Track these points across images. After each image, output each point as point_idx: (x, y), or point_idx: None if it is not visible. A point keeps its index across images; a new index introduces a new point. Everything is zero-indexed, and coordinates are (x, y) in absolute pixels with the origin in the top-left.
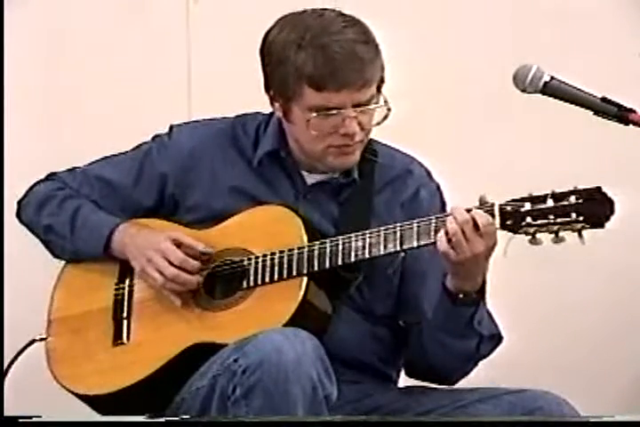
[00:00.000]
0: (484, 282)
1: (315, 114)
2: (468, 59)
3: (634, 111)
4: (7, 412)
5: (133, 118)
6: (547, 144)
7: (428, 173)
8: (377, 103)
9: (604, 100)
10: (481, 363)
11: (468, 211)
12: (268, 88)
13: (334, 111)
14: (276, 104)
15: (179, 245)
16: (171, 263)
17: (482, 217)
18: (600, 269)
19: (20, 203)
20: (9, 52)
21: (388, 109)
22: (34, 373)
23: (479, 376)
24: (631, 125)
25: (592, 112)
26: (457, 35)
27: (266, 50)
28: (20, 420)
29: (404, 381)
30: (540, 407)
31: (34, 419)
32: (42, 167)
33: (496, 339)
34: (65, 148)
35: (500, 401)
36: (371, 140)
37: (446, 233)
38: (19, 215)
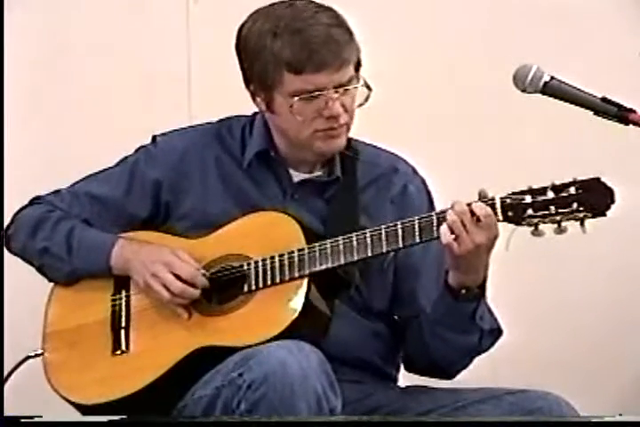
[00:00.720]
0: (485, 277)
1: (297, 98)
2: (468, 59)
3: (634, 111)
4: (7, 412)
5: (133, 118)
6: (546, 144)
7: (414, 170)
8: (356, 84)
9: (604, 100)
10: (481, 360)
11: (469, 204)
12: (247, 83)
13: (316, 93)
14: (258, 99)
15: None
16: (178, 278)
17: (481, 209)
18: (601, 267)
19: (7, 231)
20: (9, 52)
21: (369, 89)
22: (34, 373)
23: (480, 374)
24: (631, 125)
25: (592, 112)
26: (457, 35)
27: (242, 44)
28: (22, 420)
29: (404, 380)
30: (539, 408)
31: (34, 419)
32: (42, 167)
33: (496, 333)
34: (65, 148)
35: (500, 401)
36: (352, 139)
37: (448, 225)
38: (8, 245)
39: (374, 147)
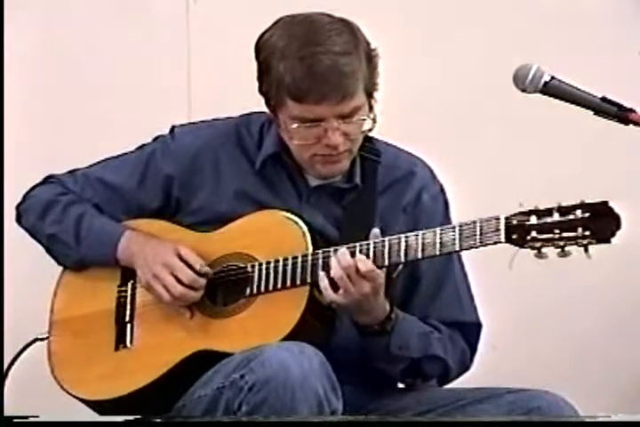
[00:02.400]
0: (387, 313)
1: (296, 125)
2: (468, 59)
3: (634, 111)
4: (7, 412)
5: (133, 119)
6: (547, 144)
7: (432, 175)
8: (365, 111)
9: (603, 100)
10: (482, 363)
11: (353, 255)
12: (260, 91)
13: (315, 123)
14: (268, 108)
15: (182, 259)
16: (179, 281)
17: (364, 264)
18: (601, 269)
19: (18, 208)
20: (9, 52)
21: (374, 121)
22: (34, 372)
23: (480, 374)
24: (631, 125)
25: (592, 112)
26: (457, 35)
27: (257, 53)
28: (21, 420)
29: None
30: (538, 407)
31: (32, 419)
32: (42, 168)
33: (437, 360)
34: (65, 148)
35: (499, 401)
36: (374, 139)
37: (331, 280)
38: (19, 220)
39: (395, 147)
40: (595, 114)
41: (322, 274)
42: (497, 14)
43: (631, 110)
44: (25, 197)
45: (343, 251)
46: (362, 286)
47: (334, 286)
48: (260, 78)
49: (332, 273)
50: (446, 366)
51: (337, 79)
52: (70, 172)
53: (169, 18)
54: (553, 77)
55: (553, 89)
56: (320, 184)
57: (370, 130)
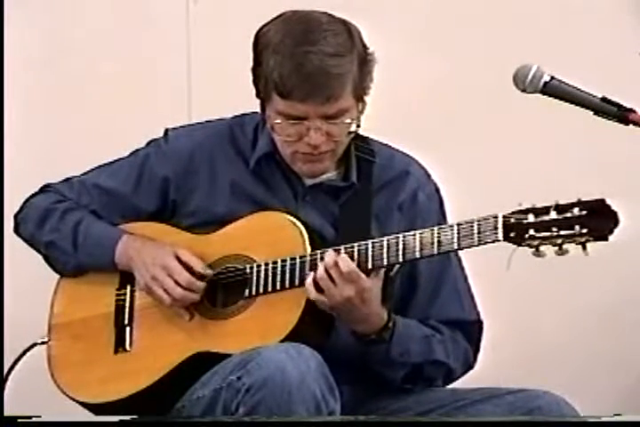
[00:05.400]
0: (389, 318)
1: (280, 120)
2: (468, 59)
3: (634, 111)
4: (7, 412)
5: (133, 119)
6: (547, 145)
7: (427, 175)
8: (352, 114)
9: (604, 100)
10: (482, 363)
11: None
12: (253, 82)
13: (298, 121)
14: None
15: (180, 261)
16: (177, 283)
17: (344, 263)
18: (602, 269)
19: (16, 217)
20: (9, 52)
21: (358, 126)
22: (34, 373)
23: (480, 376)
24: (631, 125)
25: (592, 112)
26: (457, 34)
27: (254, 45)
28: (19, 420)
29: None
30: (539, 407)
31: (34, 419)
32: (42, 168)
33: (439, 364)
34: (64, 148)
35: (499, 401)
36: (368, 139)
37: (314, 279)
38: (17, 230)
39: (389, 147)
40: (595, 114)
41: (310, 273)
42: (497, 14)
43: (631, 110)
44: (22, 206)
45: (330, 252)
46: (343, 289)
47: (319, 287)
48: (254, 69)
49: (317, 274)
50: (449, 369)
51: (323, 80)
52: (66, 180)
53: (169, 18)
54: (553, 77)
55: (553, 89)
56: (315, 183)
57: (352, 133)
